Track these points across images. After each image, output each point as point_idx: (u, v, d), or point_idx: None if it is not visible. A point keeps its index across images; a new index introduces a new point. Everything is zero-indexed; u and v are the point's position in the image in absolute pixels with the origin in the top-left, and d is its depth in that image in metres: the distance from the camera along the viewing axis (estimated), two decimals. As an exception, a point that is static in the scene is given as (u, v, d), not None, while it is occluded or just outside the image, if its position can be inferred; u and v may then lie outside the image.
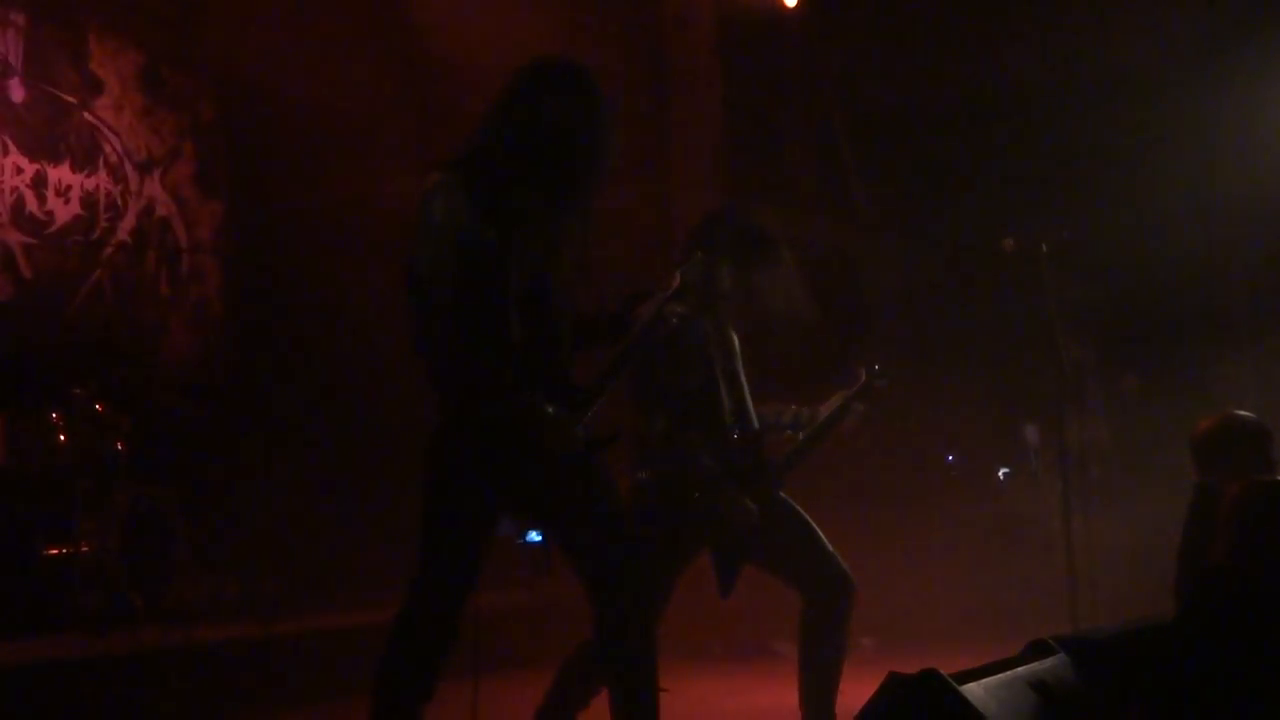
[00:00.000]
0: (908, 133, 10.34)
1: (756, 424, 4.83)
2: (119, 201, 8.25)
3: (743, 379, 4.84)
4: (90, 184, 8.07)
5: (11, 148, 7.65)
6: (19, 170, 7.68)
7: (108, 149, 8.22)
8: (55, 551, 6.40)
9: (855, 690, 3.22)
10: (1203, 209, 8.96)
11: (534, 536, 4.17)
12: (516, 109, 3.69)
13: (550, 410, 3.56)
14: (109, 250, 8.13)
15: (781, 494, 4.79)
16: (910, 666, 3.03)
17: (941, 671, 2.98)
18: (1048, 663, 3.43)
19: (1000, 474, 9.37)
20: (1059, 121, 9.42)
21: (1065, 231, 6.09)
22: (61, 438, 6.59)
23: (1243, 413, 4.86)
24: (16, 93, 7.70)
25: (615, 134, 3.76)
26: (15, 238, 7.63)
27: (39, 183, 7.79)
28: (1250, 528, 3.60)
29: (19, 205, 7.67)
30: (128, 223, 8.29)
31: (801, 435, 4.92)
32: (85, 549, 6.41)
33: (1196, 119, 9.11)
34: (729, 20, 10.03)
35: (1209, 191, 9.01)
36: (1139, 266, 8.83)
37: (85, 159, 8.07)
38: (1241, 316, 9.33)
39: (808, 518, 4.79)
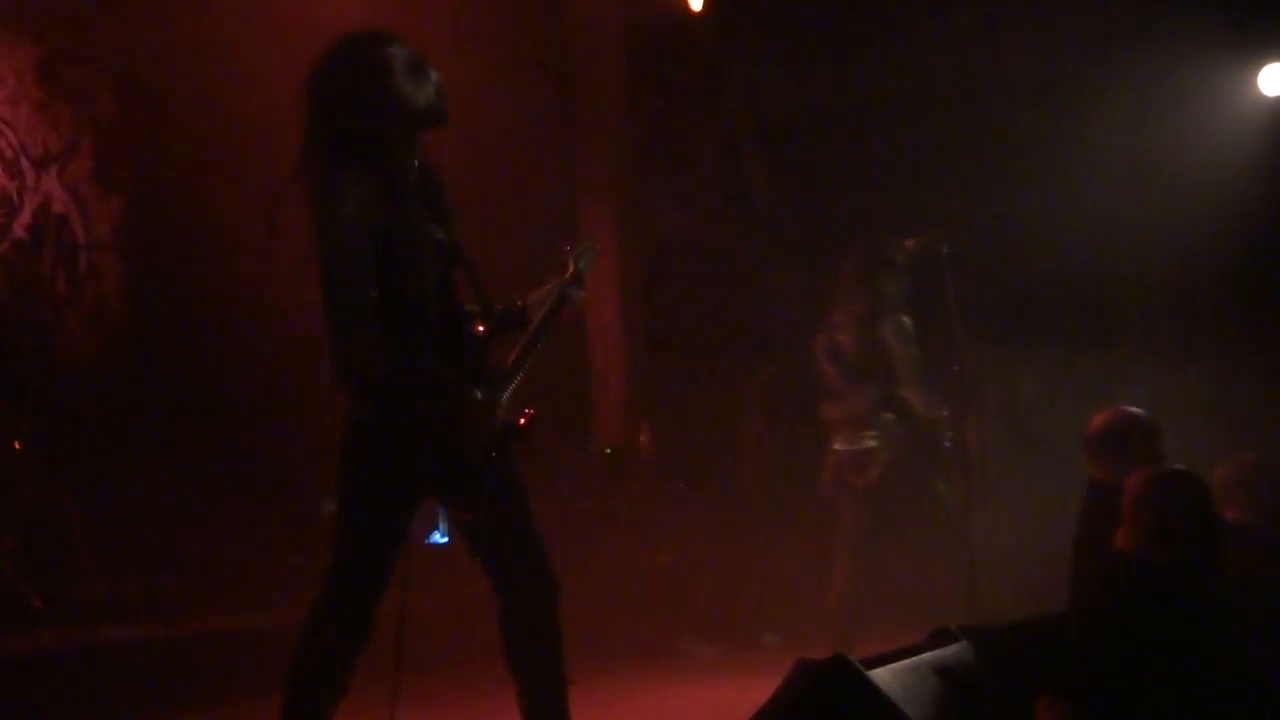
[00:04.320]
0: (811, 136, 10.49)
1: None
2: (15, 198, 8.07)
3: None
4: (-15, 180, 7.91)
5: (-97, 142, 7.49)
6: (-89, 166, 7.52)
7: (3, 144, 8.05)
8: (-49, 552, 6.28)
9: (764, 685, 3.28)
10: (1093, 209, 9.18)
11: (438, 538, 4.18)
12: (364, 87, 3.66)
13: (478, 395, 3.59)
14: (5, 247, 7.95)
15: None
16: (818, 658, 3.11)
17: (850, 657, 3.07)
18: (951, 649, 3.55)
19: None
20: (956, 122, 9.60)
21: (964, 233, 6.24)
22: (-43, 436, 6.47)
23: (1133, 409, 5.01)
24: (-92, 86, 7.55)
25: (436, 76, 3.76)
26: (-92, 234, 7.47)
27: (-68, 179, 7.63)
28: (1154, 515, 3.73)
29: (-89, 202, 7.51)
30: (24, 219, 8.12)
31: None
32: (-18, 549, 6.29)
33: (1086, 120, 9.34)
34: (635, 23, 10.09)
35: (1099, 191, 9.24)
36: (1032, 267, 9.05)
37: (-21, 154, 7.91)
38: (1133, 315, 9.58)
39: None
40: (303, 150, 3.70)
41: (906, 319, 6.59)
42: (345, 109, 3.66)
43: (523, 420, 3.71)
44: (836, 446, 6.63)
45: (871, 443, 6.47)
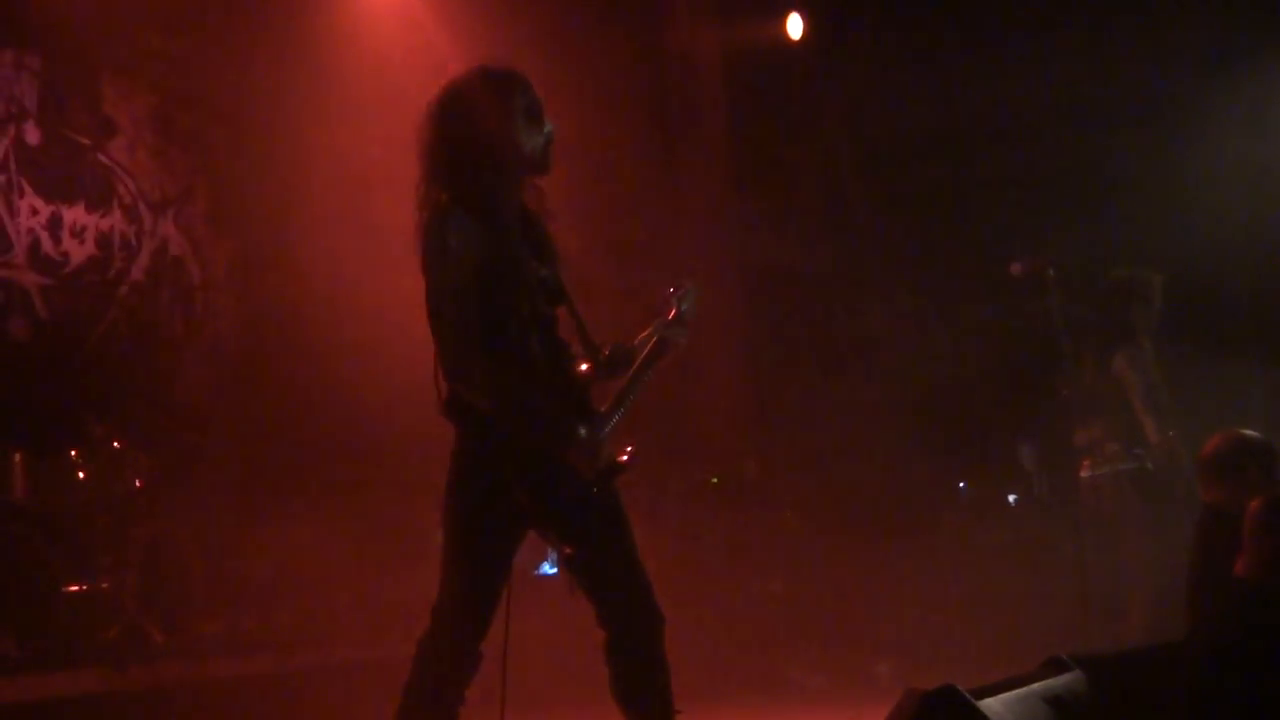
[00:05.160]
0: (912, 161, 10.41)
1: None
2: (133, 241, 8.32)
3: None
4: (105, 224, 8.15)
5: (27, 189, 7.74)
6: (34, 212, 7.77)
7: (121, 189, 8.30)
8: (75, 588, 6.43)
9: (875, 717, 3.26)
10: (1205, 227, 9.01)
11: (547, 569, 4.17)
12: (484, 126, 3.70)
13: (582, 431, 3.62)
14: (124, 289, 8.20)
15: None
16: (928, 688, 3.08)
17: (959, 687, 3.04)
18: (1063, 679, 3.49)
19: (1010, 499, 9.42)
20: (1061, 144, 9.49)
21: (1070, 256, 6.17)
22: (81, 475, 6.65)
23: (1249, 431, 4.90)
24: (31, 135, 7.80)
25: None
26: (32, 279, 7.71)
27: (54, 224, 7.87)
28: (1276, 541, 3.65)
29: (35, 246, 7.75)
30: (142, 262, 8.37)
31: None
32: (105, 585, 6.45)
33: (1197, 137, 9.17)
34: (734, 53, 10.13)
35: (1211, 209, 9.07)
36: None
37: (99, 200, 8.15)
38: (1249, 332, 9.37)
39: None
40: (420, 178, 3.76)
41: (1146, 343, 6.64)
42: (462, 144, 3.72)
43: (624, 457, 3.73)
44: (1082, 474, 6.63)
45: (1104, 469, 6.51)
